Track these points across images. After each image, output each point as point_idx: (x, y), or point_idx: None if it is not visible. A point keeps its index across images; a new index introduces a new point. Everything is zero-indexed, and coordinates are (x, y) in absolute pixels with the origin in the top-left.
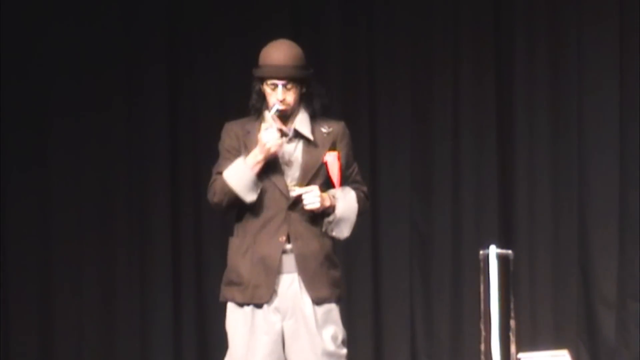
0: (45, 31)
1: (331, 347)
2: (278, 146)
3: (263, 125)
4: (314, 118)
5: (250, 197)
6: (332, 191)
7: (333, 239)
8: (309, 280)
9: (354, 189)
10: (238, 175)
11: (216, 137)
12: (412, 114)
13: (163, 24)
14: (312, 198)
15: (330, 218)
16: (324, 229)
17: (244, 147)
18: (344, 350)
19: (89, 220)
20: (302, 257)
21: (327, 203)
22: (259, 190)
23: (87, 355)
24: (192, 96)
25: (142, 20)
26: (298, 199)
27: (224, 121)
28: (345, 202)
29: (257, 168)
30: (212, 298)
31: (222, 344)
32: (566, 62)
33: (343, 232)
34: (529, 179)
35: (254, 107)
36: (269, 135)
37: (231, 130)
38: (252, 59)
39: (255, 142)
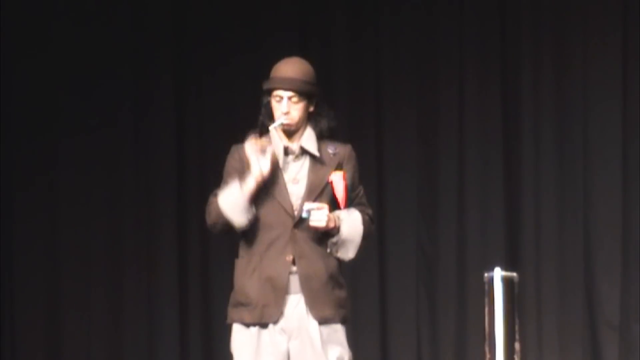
0: (53, 49)
1: None
2: (269, 172)
3: (247, 149)
4: (321, 138)
5: (239, 222)
6: (337, 212)
7: (338, 259)
8: (314, 300)
9: (359, 211)
10: (230, 200)
11: (223, 156)
12: (417, 136)
13: (170, 42)
14: (320, 216)
15: (335, 239)
16: (328, 250)
17: (248, 167)
18: None
19: (96, 241)
20: (306, 277)
21: (332, 224)
22: (250, 216)
23: None
24: (200, 115)
25: (149, 37)
26: (304, 222)
27: (231, 140)
28: (350, 224)
29: (248, 194)
30: (219, 320)
31: None
32: (571, 79)
33: (348, 253)
34: (535, 201)
35: (262, 124)
36: (258, 161)
37: (235, 152)
38: (260, 77)
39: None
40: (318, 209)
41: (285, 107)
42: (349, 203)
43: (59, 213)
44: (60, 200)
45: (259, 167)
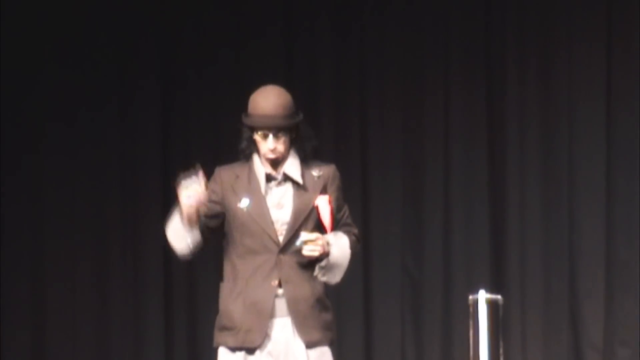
0: (40, 66)
1: None
2: (196, 201)
3: (183, 183)
4: (304, 161)
5: (180, 249)
6: (326, 237)
7: (325, 282)
8: (301, 324)
9: (346, 232)
10: (171, 226)
11: (209, 153)
12: (402, 160)
13: (156, 36)
14: (315, 247)
15: (323, 263)
16: (315, 274)
17: (232, 191)
18: None
19: (82, 255)
20: (293, 301)
21: (322, 250)
22: (189, 244)
23: None
24: (185, 135)
25: (135, 30)
26: (289, 244)
27: (217, 160)
28: (339, 249)
29: (179, 221)
30: (205, 343)
31: None
32: (557, 85)
33: (335, 277)
34: (520, 224)
35: (244, 153)
36: (187, 191)
37: (218, 176)
38: (245, 72)
39: (242, 186)
40: (314, 241)
41: (272, 144)
42: (335, 224)
43: (44, 232)
44: (45, 220)
45: (185, 194)
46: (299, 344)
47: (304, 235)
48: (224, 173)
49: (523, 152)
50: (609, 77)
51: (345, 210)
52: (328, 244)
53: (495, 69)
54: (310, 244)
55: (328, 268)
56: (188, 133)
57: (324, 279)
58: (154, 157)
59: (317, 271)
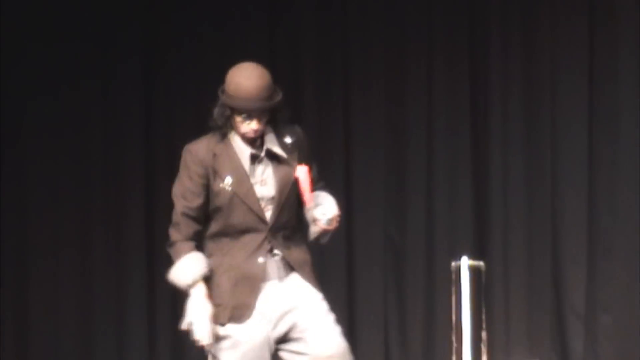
0: (22, 45)
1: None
2: (208, 342)
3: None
4: (275, 130)
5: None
6: (318, 202)
7: (316, 244)
8: (304, 277)
9: (323, 189)
10: (177, 277)
11: (191, 136)
12: (385, 129)
13: (139, 18)
14: (333, 225)
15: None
16: (311, 238)
17: (213, 172)
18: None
19: (65, 238)
20: (294, 263)
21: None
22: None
23: None
24: (168, 114)
25: (117, 12)
26: (278, 223)
27: (198, 116)
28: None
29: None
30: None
31: None
32: (540, 54)
33: (328, 237)
34: (503, 191)
35: (218, 128)
36: (199, 333)
37: (196, 156)
38: (227, 53)
39: (223, 165)
40: (334, 220)
41: (256, 125)
42: (314, 185)
43: (27, 240)
44: (28, 226)
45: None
46: (292, 288)
47: (324, 215)
48: (201, 152)
49: (506, 120)
50: (591, 45)
51: (315, 166)
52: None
53: (478, 38)
54: (334, 222)
55: (332, 232)
56: (171, 112)
57: (322, 241)
58: (136, 137)
59: (311, 235)
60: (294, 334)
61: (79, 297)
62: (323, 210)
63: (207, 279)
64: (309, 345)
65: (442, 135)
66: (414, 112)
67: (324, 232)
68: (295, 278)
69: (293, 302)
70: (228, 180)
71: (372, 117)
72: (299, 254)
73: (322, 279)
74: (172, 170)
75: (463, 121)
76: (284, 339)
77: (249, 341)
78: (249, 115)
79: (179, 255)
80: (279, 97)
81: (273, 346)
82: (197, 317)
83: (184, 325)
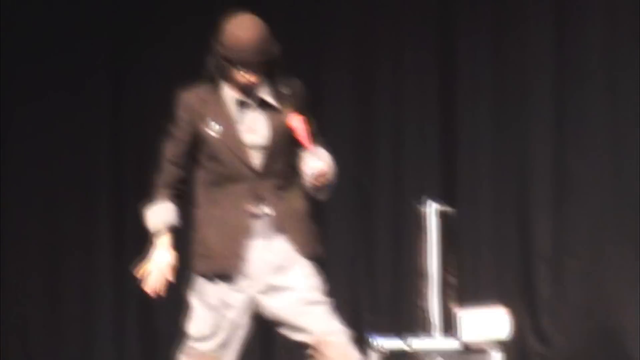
0: None
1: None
2: (156, 294)
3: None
4: (271, 80)
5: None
6: (317, 157)
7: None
8: (294, 239)
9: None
10: (146, 222)
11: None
12: (354, 75)
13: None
14: (325, 179)
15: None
16: (312, 194)
17: (199, 117)
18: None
19: (36, 227)
20: (283, 218)
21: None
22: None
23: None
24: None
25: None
26: (268, 172)
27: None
28: (329, 167)
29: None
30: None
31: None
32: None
33: (327, 193)
34: (471, 135)
35: (211, 78)
36: (151, 282)
37: (184, 102)
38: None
39: (211, 111)
40: (322, 174)
41: (253, 77)
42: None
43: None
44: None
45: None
46: (283, 253)
47: (312, 169)
48: (190, 97)
49: (475, 65)
50: None
51: (313, 121)
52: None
53: None
54: (320, 178)
55: (326, 188)
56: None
57: (319, 197)
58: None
59: (311, 191)
60: (283, 315)
61: None
62: (312, 164)
63: (193, 230)
64: (303, 330)
65: (410, 81)
66: (382, 53)
67: (316, 188)
68: (284, 242)
69: (282, 278)
70: (214, 126)
71: (340, 65)
72: (292, 204)
73: None
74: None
75: (431, 66)
76: (273, 316)
77: (231, 304)
78: (246, 67)
79: (152, 202)
80: (276, 48)
81: (255, 309)
82: (154, 266)
83: (139, 272)
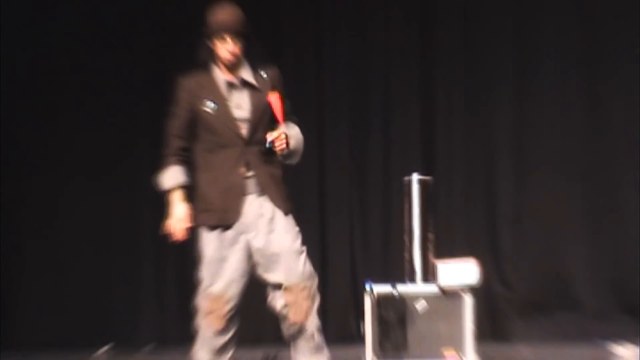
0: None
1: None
2: (181, 237)
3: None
4: (252, 66)
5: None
6: (281, 129)
7: (286, 164)
8: (272, 197)
9: (292, 121)
10: (161, 183)
11: None
12: (352, 65)
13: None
14: (281, 143)
15: (285, 152)
16: (280, 159)
17: (197, 96)
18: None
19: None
20: (263, 180)
21: (287, 142)
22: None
23: None
24: None
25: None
26: (253, 140)
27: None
28: (295, 137)
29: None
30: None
31: None
32: None
33: (295, 159)
34: (447, 116)
35: (204, 63)
36: (175, 228)
37: (183, 85)
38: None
39: (206, 92)
40: (278, 138)
41: (232, 46)
42: (286, 116)
43: None
44: None
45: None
46: (268, 209)
47: (270, 136)
48: (188, 82)
49: (450, 52)
50: None
51: (287, 102)
52: (287, 136)
53: None
54: (277, 141)
55: (290, 154)
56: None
57: (287, 162)
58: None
59: (281, 157)
60: (267, 257)
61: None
62: (274, 132)
63: (195, 190)
64: (278, 275)
65: (396, 72)
66: (375, 55)
67: (281, 152)
68: (267, 199)
69: (269, 227)
70: (209, 104)
71: (339, 48)
72: (270, 168)
73: (299, 192)
74: None
75: (413, 54)
76: (259, 257)
77: (232, 249)
78: (229, 33)
79: (164, 166)
80: (249, 29)
81: (249, 252)
82: (175, 216)
83: (165, 229)
